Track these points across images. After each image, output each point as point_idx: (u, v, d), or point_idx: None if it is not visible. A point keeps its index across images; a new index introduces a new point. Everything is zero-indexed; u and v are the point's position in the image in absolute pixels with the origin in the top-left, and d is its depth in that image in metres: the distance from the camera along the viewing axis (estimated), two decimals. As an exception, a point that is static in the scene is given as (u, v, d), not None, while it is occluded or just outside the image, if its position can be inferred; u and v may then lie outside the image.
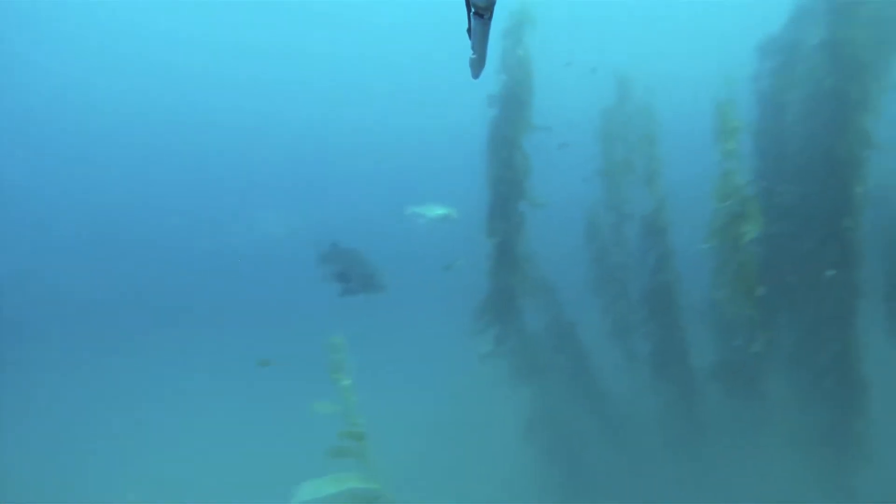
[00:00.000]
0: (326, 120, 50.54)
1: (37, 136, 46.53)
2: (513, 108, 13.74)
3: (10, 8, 37.85)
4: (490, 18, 2.35)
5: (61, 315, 34.41)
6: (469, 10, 2.36)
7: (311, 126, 50.83)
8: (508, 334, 14.35)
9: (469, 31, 2.48)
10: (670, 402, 14.63)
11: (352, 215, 41.57)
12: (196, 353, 28.61)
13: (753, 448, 13.52)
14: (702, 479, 13.66)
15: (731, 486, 13.11)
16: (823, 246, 12.87)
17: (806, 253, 13.28)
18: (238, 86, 48.42)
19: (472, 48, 2.58)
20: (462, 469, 15.53)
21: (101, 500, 15.87)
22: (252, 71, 47.62)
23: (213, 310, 35.47)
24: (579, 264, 16.86)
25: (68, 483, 16.79)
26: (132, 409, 21.96)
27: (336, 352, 7.31)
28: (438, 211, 15.29)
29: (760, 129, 14.64)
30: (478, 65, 2.71)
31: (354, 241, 12.17)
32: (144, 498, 15.44)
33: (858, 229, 12.78)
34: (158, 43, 43.44)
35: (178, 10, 40.98)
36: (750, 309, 12.23)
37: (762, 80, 14.72)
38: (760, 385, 13.83)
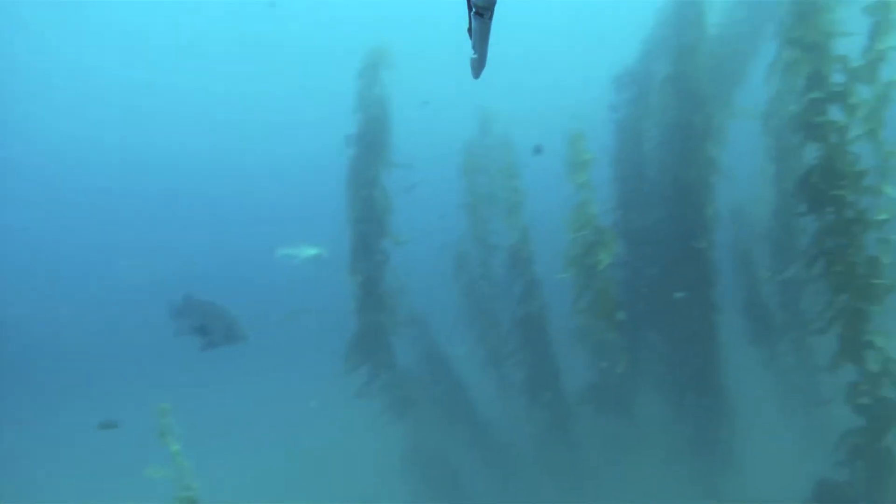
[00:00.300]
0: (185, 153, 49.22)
1: None
2: (371, 146, 13.84)
3: None
4: (490, 18, 2.33)
5: None
6: (469, 10, 2.34)
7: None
8: (380, 371, 14.30)
9: (469, 30, 2.47)
10: (546, 427, 14.82)
11: (210, 261, 40.21)
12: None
13: (629, 463, 13.89)
14: (581, 497, 13.88)
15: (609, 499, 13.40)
16: (680, 267, 13.41)
17: (664, 275, 13.81)
18: (92, 119, 46.64)
19: (473, 48, 2.57)
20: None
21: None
22: (108, 105, 46.03)
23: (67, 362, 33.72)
24: (450, 297, 17.02)
25: None
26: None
27: (163, 417, 7.06)
28: (310, 251, 15.18)
29: (619, 157, 15.19)
30: (478, 65, 2.69)
31: (216, 286, 11.91)
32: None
33: (711, 249, 13.39)
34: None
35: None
36: (611, 332, 12.61)
37: (619, 111, 15.28)
38: (631, 403, 14.24)
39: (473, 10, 2.31)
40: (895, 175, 9.21)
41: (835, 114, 9.35)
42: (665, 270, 13.85)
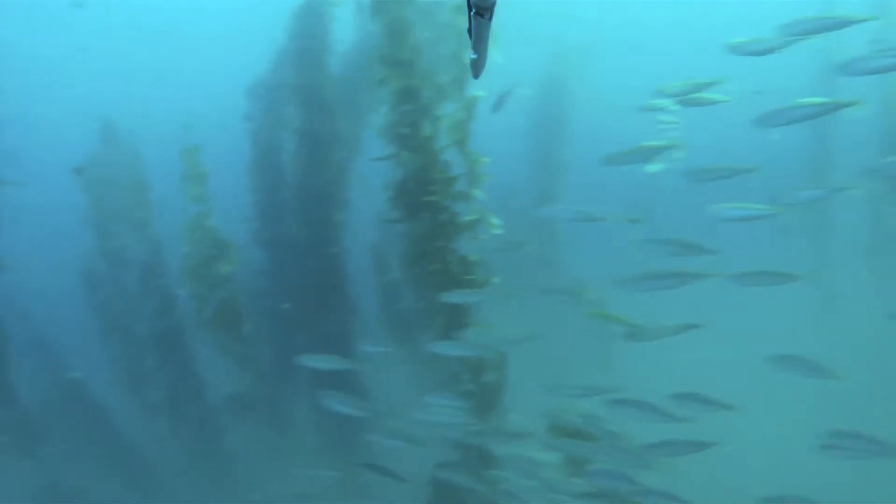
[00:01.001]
0: None
1: None
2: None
3: None
4: (491, 18, 2.30)
5: None
6: (469, 10, 2.29)
7: None
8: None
9: (469, 31, 2.43)
10: (194, 441, 14.51)
11: None
12: None
13: (279, 465, 14.04)
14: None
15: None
16: (316, 273, 13.77)
17: (300, 282, 14.10)
18: None
19: (473, 48, 2.55)
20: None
21: None
22: None
23: None
24: (81, 318, 16.08)
25: None
26: None
27: None
28: None
29: (256, 166, 15.23)
30: (478, 65, 2.68)
31: None
32: None
33: (343, 254, 13.91)
34: None
35: None
36: (238, 343, 12.67)
37: (253, 121, 15.31)
38: (276, 409, 14.37)
39: (473, 10, 2.34)
40: (482, 180, 10.11)
41: (425, 126, 10.10)
42: (302, 277, 14.13)
